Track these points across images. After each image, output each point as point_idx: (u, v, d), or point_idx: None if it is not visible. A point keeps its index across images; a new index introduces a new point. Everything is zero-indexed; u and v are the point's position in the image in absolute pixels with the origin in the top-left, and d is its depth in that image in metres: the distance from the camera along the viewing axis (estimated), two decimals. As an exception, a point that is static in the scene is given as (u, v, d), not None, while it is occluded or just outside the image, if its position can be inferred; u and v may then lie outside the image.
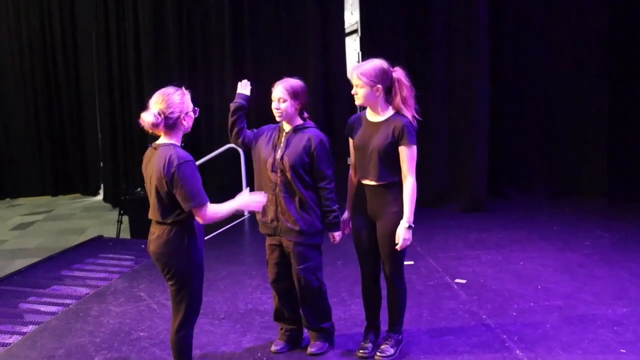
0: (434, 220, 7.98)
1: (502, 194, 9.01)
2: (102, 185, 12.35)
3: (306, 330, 4.46)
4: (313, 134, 4.10)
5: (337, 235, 4.15)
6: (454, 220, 8.01)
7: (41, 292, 6.11)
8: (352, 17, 9.73)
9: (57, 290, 6.16)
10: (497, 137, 8.90)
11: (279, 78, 4.21)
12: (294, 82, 4.13)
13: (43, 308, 5.62)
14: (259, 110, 8.75)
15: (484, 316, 4.83)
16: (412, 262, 6.22)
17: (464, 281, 5.63)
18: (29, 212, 11.02)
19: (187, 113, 3.48)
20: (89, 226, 9.53)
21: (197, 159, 9.26)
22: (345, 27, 9.13)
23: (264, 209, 4.17)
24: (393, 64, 4.07)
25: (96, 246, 7.85)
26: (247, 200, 3.70)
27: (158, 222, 3.52)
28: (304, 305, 4.29)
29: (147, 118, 3.40)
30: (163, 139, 3.51)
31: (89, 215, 10.56)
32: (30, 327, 5.11)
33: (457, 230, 7.47)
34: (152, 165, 3.46)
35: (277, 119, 4.15)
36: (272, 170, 4.10)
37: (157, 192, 3.44)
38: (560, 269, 5.86)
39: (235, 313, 5.14)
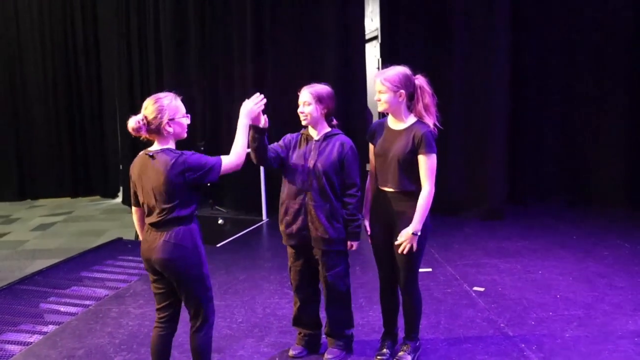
0: (451, 228, 7.97)
1: (520, 202, 8.98)
2: (121, 188, 12.43)
3: (324, 337, 4.47)
4: (344, 140, 4.14)
5: (356, 243, 4.16)
6: (472, 228, 7.99)
7: (61, 292, 6.16)
8: (372, 23, 9.75)
9: (76, 291, 6.21)
10: (515, 145, 8.89)
11: (298, 84, 4.24)
12: (320, 87, 4.17)
13: (63, 308, 5.67)
14: (279, 114, 8.79)
15: (502, 325, 4.82)
16: (430, 269, 6.22)
17: (482, 289, 5.62)
18: (49, 214, 11.11)
19: (172, 119, 3.45)
20: (108, 228, 9.58)
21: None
22: (365, 33, 9.15)
23: (289, 220, 4.19)
24: (413, 70, 4.09)
25: (115, 248, 7.91)
26: (249, 108, 3.72)
27: (159, 227, 3.47)
28: (330, 311, 4.31)
29: (130, 123, 3.41)
30: (156, 146, 3.50)
31: (108, 218, 10.61)
32: (51, 327, 5.16)
33: (475, 239, 7.46)
34: (152, 173, 3.43)
35: (302, 122, 4.17)
36: (304, 179, 4.11)
37: (161, 194, 3.41)
38: (580, 279, 5.82)
39: (254, 317, 5.16)
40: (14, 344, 4.87)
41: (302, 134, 4.25)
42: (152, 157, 3.45)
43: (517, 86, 8.88)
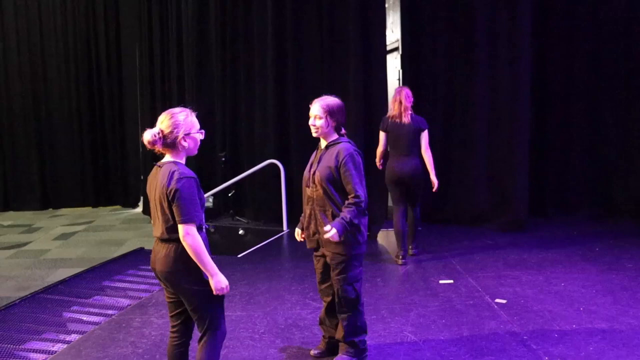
0: (473, 239, 7.94)
1: (543, 214, 8.91)
2: (141, 198, 12.52)
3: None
4: (343, 147, 4.19)
5: (335, 234, 4.01)
6: (493, 239, 7.94)
7: (84, 301, 6.21)
8: (392, 35, 9.77)
9: (99, 300, 6.26)
10: (540, 158, 8.84)
11: (319, 95, 4.31)
12: (331, 100, 4.27)
13: (86, 318, 5.71)
14: (301, 126, 8.82)
15: (525, 337, 4.78)
16: (451, 281, 6.20)
17: (504, 301, 5.58)
18: (71, 223, 11.20)
19: (188, 134, 3.47)
20: (129, 238, 9.64)
21: (237, 174, 9.41)
22: (386, 44, 9.16)
23: (307, 224, 4.33)
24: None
25: (137, 258, 7.95)
26: (221, 281, 3.41)
27: (163, 240, 3.46)
28: (341, 316, 4.34)
29: (146, 136, 3.43)
30: (167, 158, 3.51)
31: (129, 227, 10.68)
32: (74, 336, 5.20)
33: (497, 250, 7.41)
34: (156, 182, 3.45)
35: (313, 134, 4.28)
36: (307, 186, 4.29)
37: (162, 209, 3.42)
38: (603, 291, 5.77)
39: (275, 328, 5.17)
40: (38, 352, 4.91)
41: (319, 145, 4.38)
42: (160, 167, 3.50)
43: (541, 97, 8.85)
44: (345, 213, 4.07)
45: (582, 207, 9.02)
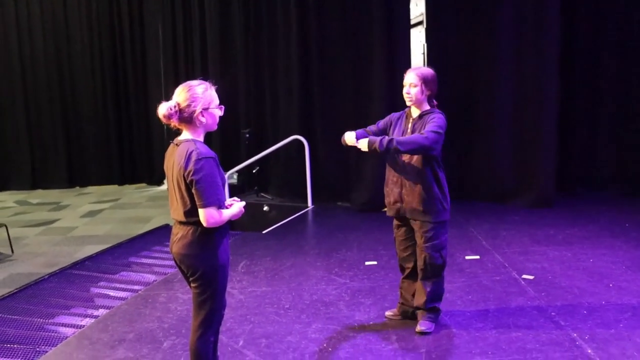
0: (499, 215, 7.86)
1: (571, 190, 8.79)
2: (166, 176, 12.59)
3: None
4: (437, 116, 4.26)
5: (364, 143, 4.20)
6: (520, 215, 7.85)
7: (111, 277, 6.27)
8: (416, 8, 9.63)
9: (125, 276, 6.31)
10: (567, 133, 8.71)
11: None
12: (425, 70, 4.36)
13: (113, 293, 5.77)
14: (325, 102, 8.76)
15: (553, 313, 4.73)
16: (477, 257, 6.14)
17: (531, 277, 5.52)
18: (97, 200, 11.30)
19: (206, 109, 3.26)
20: (154, 215, 9.69)
21: (261, 150, 9.37)
22: (411, 18, 9.04)
23: (389, 191, 4.42)
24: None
25: (162, 235, 7.98)
26: (237, 209, 3.35)
27: (181, 223, 3.31)
28: (424, 282, 4.42)
29: (161, 109, 3.23)
30: (185, 135, 3.32)
31: (154, 205, 10.74)
32: (102, 311, 5.26)
33: (524, 226, 7.32)
34: (173, 162, 3.27)
35: (408, 103, 4.33)
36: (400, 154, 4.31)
37: (180, 191, 3.24)
38: (633, 268, 5.68)
39: (300, 303, 5.17)
40: (67, 326, 4.97)
41: (405, 112, 4.44)
42: (177, 145, 3.31)
43: (570, 73, 8.69)
44: (401, 138, 4.15)
45: (610, 183, 8.88)
